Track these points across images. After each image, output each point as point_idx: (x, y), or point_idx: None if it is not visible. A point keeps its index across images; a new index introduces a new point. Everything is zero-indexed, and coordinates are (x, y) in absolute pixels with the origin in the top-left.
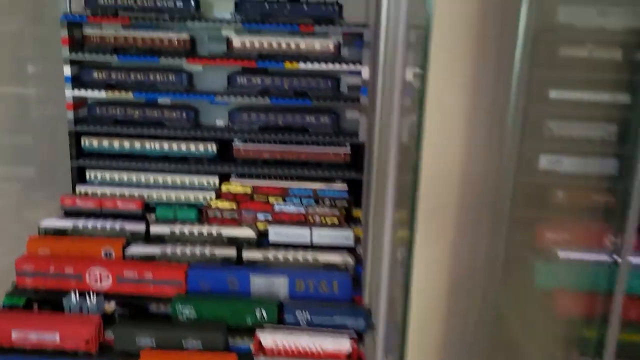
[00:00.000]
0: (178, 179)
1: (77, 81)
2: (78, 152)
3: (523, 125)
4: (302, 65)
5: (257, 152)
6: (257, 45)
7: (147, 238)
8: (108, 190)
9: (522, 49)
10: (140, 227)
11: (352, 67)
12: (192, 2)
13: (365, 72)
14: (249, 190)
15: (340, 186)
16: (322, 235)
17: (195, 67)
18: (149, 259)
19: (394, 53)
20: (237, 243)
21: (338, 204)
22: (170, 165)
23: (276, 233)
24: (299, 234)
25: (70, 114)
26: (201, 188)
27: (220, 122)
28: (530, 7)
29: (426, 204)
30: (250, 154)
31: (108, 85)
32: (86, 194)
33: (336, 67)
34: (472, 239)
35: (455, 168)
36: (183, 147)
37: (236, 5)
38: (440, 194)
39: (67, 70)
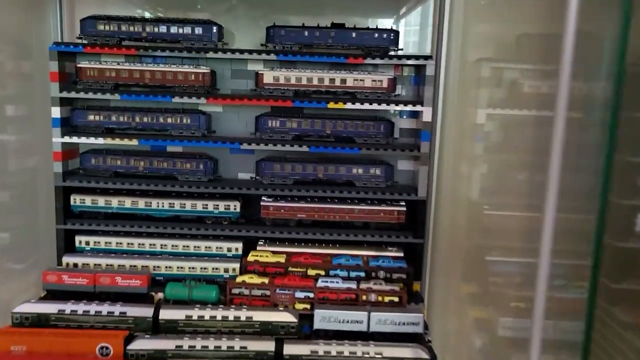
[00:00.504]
0: (192, 245)
1: (67, 125)
2: (66, 212)
3: (615, 179)
4: (348, 106)
5: (290, 211)
6: (292, 80)
7: (156, 327)
8: (104, 262)
9: (616, 88)
10: (146, 311)
11: (410, 107)
12: (214, 29)
13: (428, 113)
14: (282, 260)
15: (395, 253)
16: (383, 321)
17: (215, 107)
18: (159, 358)
19: (465, 91)
20: (274, 331)
21: (395, 276)
22: (183, 229)
23: (323, 318)
24: (353, 318)
25: (57, 166)
26: (222, 257)
27: (245, 175)
28: (623, 36)
29: None
30: (282, 214)
31: (107, 130)
32: (75, 267)
33: (391, 107)
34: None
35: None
36: (199, 205)
37: (267, 33)
38: None
39: (56, 112)
